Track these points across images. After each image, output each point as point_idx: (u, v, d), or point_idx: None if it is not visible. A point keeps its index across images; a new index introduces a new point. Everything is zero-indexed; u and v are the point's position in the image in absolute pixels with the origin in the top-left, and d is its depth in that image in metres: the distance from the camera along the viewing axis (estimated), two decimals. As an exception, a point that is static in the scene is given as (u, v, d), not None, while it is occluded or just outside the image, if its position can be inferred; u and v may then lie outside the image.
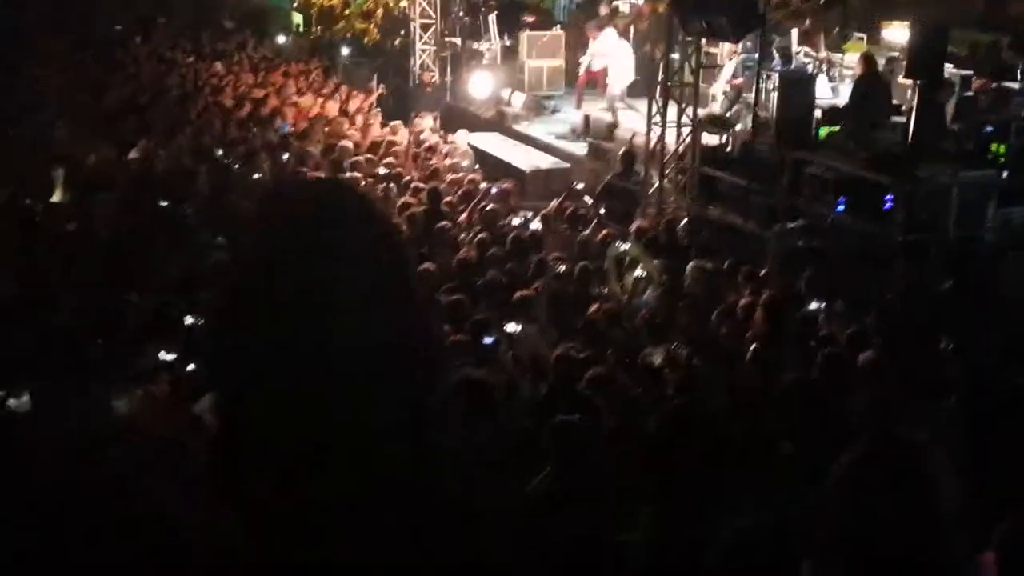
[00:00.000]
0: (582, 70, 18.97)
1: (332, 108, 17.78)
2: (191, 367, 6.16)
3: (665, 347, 7.80)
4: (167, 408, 4.90)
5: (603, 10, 21.86)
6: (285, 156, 14.32)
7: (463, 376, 3.21)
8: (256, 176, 13.10)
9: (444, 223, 11.20)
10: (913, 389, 6.94)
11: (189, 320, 6.84)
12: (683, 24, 13.14)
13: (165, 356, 6.16)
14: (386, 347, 1.36)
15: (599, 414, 6.18)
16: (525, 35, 20.55)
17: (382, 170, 13.74)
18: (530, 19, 22.47)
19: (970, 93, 14.39)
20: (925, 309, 8.65)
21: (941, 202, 11.13)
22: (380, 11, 28.04)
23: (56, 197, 11.25)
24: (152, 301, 7.45)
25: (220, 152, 14.12)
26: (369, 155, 14.50)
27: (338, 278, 1.34)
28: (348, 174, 13.00)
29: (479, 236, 10.68)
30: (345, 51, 24.89)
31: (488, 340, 7.53)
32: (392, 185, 12.82)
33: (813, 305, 8.75)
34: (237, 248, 1.41)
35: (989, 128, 12.86)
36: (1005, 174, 11.54)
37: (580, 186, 14.16)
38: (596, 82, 18.93)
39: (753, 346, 7.77)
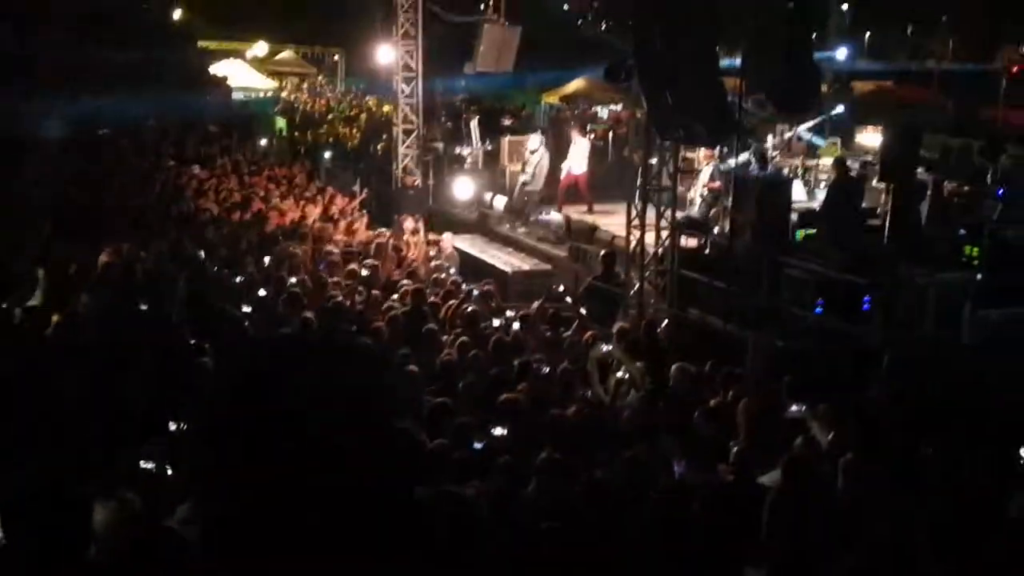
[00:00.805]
0: (563, 174, 19.27)
1: (313, 212, 17.92)
2: (170, 472, 6.11)
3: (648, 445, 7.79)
4: (142, 520, 4.83)
5: (568, 114, 22.33)
6: (267, 259, 14.37)
7: (445, 495, 3.19)
8: (238, 279, 13.14)
9: (428, 325, 11.22)
10: (894, 493, 6.94)
11: (172, 427, 6.79)
12: (660, 131, 13.32)
13: (145, 464, 6.10)
14: (365, 467, 1.51)
15: (585, 520, 6.14)
16: (506, 140, 20.93)
17: (364, 272, 13.81)
18: (509, 121, 22.88)
19: (943, 196, 14.69)
20: (905, 412, 8.68)
21: (918, 303, 11.26)
22: (363, 116, 28.52)
23: (37, 299, 11.23)
24: (134, 406, 7.40)
25: (202, 255, 14.15)
26: (351, 257, 14.61)
27: (323, 420, 1.51)
28: (329, 278, 13.07)
29: (460, 339, 10.70)
30: (327, 155, 25.22)
31: (477, 445, 7.47)
32: (374, 289, 12.87)
33: (794, 408, 8.76)
34: (228, 390, 1.56)
35: (962, 230, 13.10)
36: (979, 276, 11.71)
37: (561, 288, 14.27)
38: (576, 184, 19.25)
39: (735, 448, 7.76)
